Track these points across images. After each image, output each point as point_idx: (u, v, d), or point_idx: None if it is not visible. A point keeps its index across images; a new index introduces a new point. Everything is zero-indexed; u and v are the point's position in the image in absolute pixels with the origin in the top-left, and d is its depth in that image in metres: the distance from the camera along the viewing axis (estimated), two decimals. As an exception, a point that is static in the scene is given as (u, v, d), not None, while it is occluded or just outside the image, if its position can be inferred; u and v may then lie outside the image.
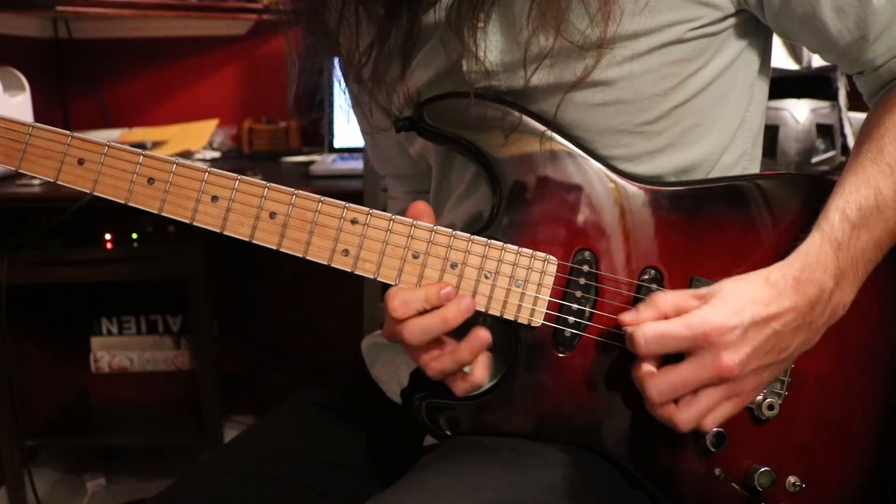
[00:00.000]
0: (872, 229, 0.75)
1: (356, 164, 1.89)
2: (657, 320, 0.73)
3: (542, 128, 0.80)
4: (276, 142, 2.30)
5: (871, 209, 0.75)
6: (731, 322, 0.70)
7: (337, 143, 2.25)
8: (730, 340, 0.70)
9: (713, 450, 0.78)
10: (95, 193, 0.77)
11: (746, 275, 0.75)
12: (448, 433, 0.80)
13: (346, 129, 2.24)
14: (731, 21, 0.81)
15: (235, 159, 2.27)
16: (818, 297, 0.73)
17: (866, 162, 0.77)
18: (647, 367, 0.73)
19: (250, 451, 0.95)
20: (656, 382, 0.72)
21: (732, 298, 0.72)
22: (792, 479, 0.80)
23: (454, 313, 0.75)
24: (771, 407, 0.79)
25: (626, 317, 0.75)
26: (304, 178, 1.91)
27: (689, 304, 0.73)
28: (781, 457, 0.80)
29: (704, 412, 0.73)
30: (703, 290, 0.74)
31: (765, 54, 0.88)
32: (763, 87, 0.89)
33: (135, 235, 1.96)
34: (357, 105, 0.99)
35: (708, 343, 0.70)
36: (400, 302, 0.75)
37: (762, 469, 0.78)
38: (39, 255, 1.88)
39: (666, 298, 0.74)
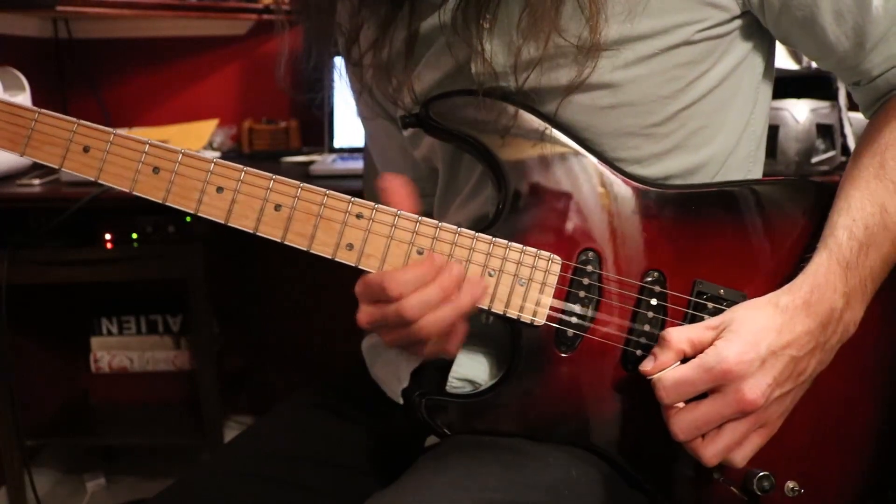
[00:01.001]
0: (880, 247, 0.75)
1: (356, 164, 1.89)
2: (676, 360, 0.73)
3: (548, 128, 0.80)
4: (276, 142, 2.30)
5: (878, 227, 0.75)
6: (747, 355, 0.70)
7: (337, 143, 2.25)
8: (749, 373, 0.70)
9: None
10: (100, 181, 0.76)
11: (756, 301, 0.75)
12: (448, 431, 0.80)
13: (346, 129, 2.24)
14: (737, 23, 0.81)
15: (235, 159, 2.24)
16: (829, 317, 0.73)
17: (869, 177, 0.77)
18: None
19: (250, 451, 0.94)
20: (680, 419, 0.72)
21: (746, 329, 0.72)
22: (791, 483, 0.80)
23: (450, 283, 0.74)
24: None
25: (647, 366, 0.74)
26: (304, 179, 1.90)
27: (703, 337, 0.73)
28: (780, 461, 0.80)
29: (730, 446, 0.73)
30: (715, 321, 0.74)
31: (769, 57, 0.88)
32: (767, 90, 0.90)
33: (135, 235, 1.96)
34: (360, 100, 0.99)
35: (728, 379, 0.70)
36: (398, 283, 0.73)
37: (761, 473, 0.78)
38: (39, 254, 1.88)
39: (679, 335, 0.74)
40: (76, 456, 2.44)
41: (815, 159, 1.73)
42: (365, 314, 0.76)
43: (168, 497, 0.90)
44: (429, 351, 0.78)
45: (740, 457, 0.74)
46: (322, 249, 0.77)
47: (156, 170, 0.76)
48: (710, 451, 0.73)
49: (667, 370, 0.73)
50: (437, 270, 0.74)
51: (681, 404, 0.73)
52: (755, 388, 0.70)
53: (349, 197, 0.77)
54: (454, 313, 0.75)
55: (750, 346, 0.71)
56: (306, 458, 0.93)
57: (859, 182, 0.77)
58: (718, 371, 0.70)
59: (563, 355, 0.79)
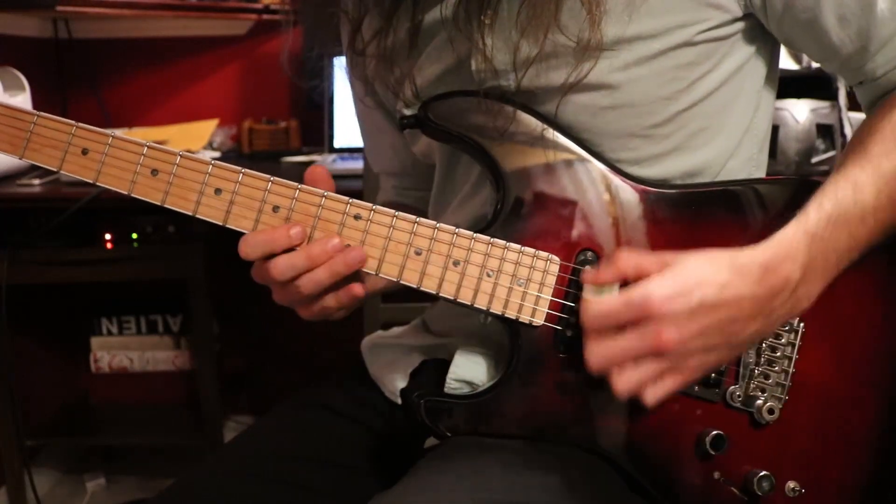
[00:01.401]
0: (848, 221, 0.74)
1: (356, 164, 1.89)
2: (616, 280, 0.71)
3: (547, 129, 0.80)
4: (276, 142, 2.30)
5: (848, 201, 0.73)
6: (675, 300, 0.68)
7: (337, 143, 2.26)
8: (671, 316, 0.68)
9: (713, 453, 0.78)
10: (98, 184, 0.77)
11: (714, 252, 0.72)
12: (448, 433, 0.80)
13: (346, 129, 2.25)
14: (740, 25, 0.81)
15: (235, 159, 2.27)
16: (781, 288, 0.71)
17: (847, 161, 0.76)
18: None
19: (250, 451, 0.94)
20: (595, 349, 0.70)
21: (687, 274, 0.69)
22: (791, 483, 0.80)
23: (319, 252, 0.76)
24: (771, 411, 0.78)
25: (587, 274, 0.73)
26: (304, 179, 1.91)
27: (650, 269, 0.71)
28: (781, 461, 0.79)
29: (643, 382, 0.70)
30: (669, 257, 0.71)
31: (772, 61, 0.87)
32: (770, 94, 0.89)
33: (135, 235, 1.96)
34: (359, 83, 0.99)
35: (648, 316, 0.68)
36: (244, 243, 0.77)
37: (761, 473, 0.78)
38: (39, 254, 1.88)
39: (629, 259, 0.71)
40: (76, 456, 2.44)
41: (815, 159, 1.73)
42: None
43: (168, 497, 0.90)
44: (317, 311, 0.82)
45: (650, 395, 0.71)
46: None
47: (154, 172, 0.77)
48: (621, 384, 0.70)
49: (592, 302, 0.71)
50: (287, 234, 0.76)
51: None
52: (672, 332, 0.68)
53: (347, 198, 0.77)
54: (329, 276, 0.77)
55: (680, 293, 0.68)
56: (306, 458, 0.93)
57: (838, 165, 0.77)
58: (639, 308, 0.68)
59: (562, 356, 0.79)
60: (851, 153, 0.77)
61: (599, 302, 0.70)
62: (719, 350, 0.72)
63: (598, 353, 0.71)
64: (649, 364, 0.70)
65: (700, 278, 0.69)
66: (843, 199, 0.73)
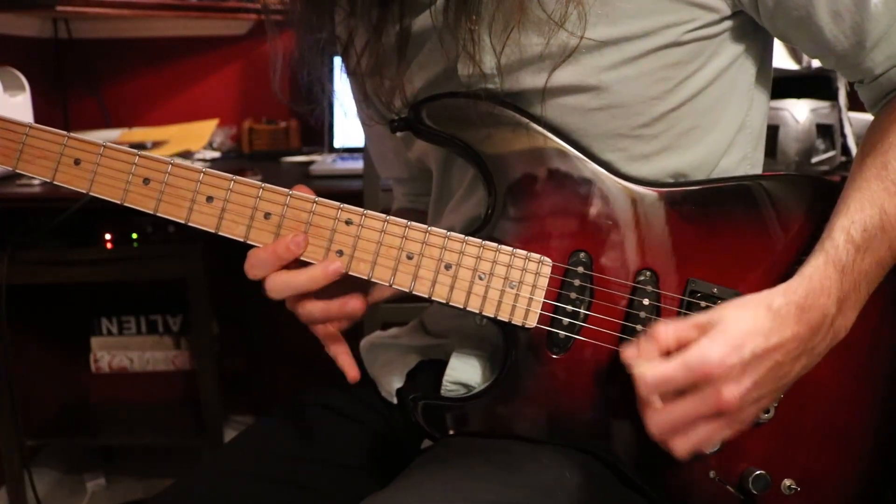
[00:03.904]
0: (876, 250, 0.74)
1: (356, 164, 1.89)
2: (659, 355, 0.72)
3: (536, 130, 0.80)
4: (276, 142, 2.30)
5: (876, 230, 0.74)
6: (730, 358, 0.69)
7: (337, 143, 2.26)
8: (730, 376, 0.69)
9: (707, 452, 0.78)
10: (91, 194, 0.77)
11: (748, 300, 0.73)
12: (443, 434, 0.80)
13: (346, 129, 2.25)
14: (728, 24, 0.80)
15: (235, 159, 2.28)
16: (820, 324, 0.72)
17: (871, 177, 0.76)
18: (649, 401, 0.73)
19: (250, 451, 0.95)
20: (657, 419, 0.72)
21: (733, 330, 0.70)
22: (787, 481, 0.80)
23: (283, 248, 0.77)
24: (766, 410, 0.79)
25: (628, 352, 0.73)
26: (304, 179, 1.91)
27: (689, 336, 0.72)
28: (777, 459, 0.80)
29: (702, 443, 0.72)
30: (703, 319, 0.73)
31: (764, 58, 0.87)
32: (764, 92, 0.89)
33: (135, 235, 1.96)
34: (359, 102, 1.00)
35: (707, 380, 0.69)
36: (250, 265, 0.78)
37: (757, 472, 0.78)
38: (39, 255, 1.88)
39: (667, 331, 0.72)
40: (76, 456, 2.45)
41: (815, 159, 1.73)
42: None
43: (168, 497, 0.90)
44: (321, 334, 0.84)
45: (709, 448, 0.75)
46: (312, 256, 0.77)
47: (146, 180, 0.77)
48: (682, 447, 0.72)
49: (649, 366, 0.72)
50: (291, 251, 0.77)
51: (658, 402, 0.72)
52: (734, 391, 0.69)
53: (338, 203, 0.77)
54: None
55: (733, 349, 0.69)
56: (306, 458, 0.93)
57: (861, 183, 0.76)
58: (700, 372, 0.69)
59: (555, 357, 0.79)
60: (871, 166, 0.77)
61: (655, 367, 0.71)
62: (772, 394, 0.73)
63: (660, 422, 0.72)
64: (708, 424, 0.71)
65: (746, 330, 0.70)
66: (871, 226, 0.74)
